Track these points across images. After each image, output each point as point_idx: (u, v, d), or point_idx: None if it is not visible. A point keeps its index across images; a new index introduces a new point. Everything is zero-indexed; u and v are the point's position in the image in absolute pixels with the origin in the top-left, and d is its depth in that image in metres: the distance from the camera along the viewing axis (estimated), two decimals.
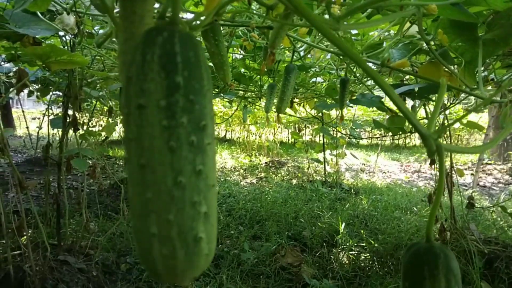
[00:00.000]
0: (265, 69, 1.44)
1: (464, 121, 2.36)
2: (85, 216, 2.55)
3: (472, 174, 6.56)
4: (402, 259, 0.56)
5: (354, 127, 4.40)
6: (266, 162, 7.66)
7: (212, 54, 1.01)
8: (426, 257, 0.50)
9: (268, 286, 2.46)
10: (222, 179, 5.86)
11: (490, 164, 7.94)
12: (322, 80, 3.03)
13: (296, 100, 3.56)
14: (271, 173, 6.57)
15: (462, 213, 2.89)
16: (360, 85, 2.81)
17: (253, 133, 9.30)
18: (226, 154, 9.07)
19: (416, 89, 1.79)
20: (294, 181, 5.85)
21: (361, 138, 5.10)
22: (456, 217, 2.74)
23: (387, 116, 2.20)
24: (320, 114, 4.83)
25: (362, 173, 7.08)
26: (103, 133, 4.26)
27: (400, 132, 2.19)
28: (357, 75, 2.33)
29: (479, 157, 5.75)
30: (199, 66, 0.34)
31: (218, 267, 2.71)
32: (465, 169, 7.81)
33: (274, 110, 1.50)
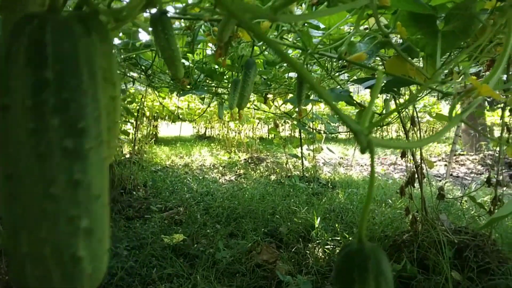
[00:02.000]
0: (228, 64, 1.41)
1: (433, 113, 2.40)
2: None
3: (445, 165, 6.73)
4: (335, 260, 0.53)
5: (329, 122, 4.41)
6: (245, 159, 7.63)
7: (162, 49, 0.96)
8: (356, 259, 0.47)
9: (243, 284, 2.43)
10: (200, 177, 5.80)
11: (463, 154, 8.17)
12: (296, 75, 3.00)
13: (269, 96, 3.53)
14: (250, 170, 6.55)
15: (433, 204, 2.93)
16: (332, 80, 2.80)
17: (233, 130, 9.23)
18: (205, 151, 8.99)
19: (383, 82, 1.79)
20: (273, 177, 5.84)
21: (333, 133, 5.13)
22: (427, 208, 2.78)
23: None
24: (296, 110, 4.81)
25: (340, 167, 7.16)
26: None
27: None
28: (328, 69, 2.31)
29: (452, 148, 5.90)
30: (76, 59, 0.29)
31: (193, 267, 2.66)
32: (439, 160, 8.00)
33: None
